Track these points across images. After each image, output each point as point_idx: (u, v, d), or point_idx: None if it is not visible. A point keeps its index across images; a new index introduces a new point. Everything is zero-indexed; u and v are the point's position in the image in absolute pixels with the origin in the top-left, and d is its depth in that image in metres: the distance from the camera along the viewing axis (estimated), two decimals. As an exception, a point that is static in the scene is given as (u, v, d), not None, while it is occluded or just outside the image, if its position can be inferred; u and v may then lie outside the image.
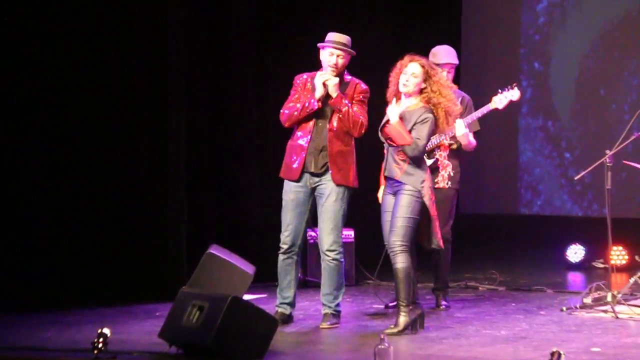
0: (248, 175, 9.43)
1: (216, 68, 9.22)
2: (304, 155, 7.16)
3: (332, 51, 7.14)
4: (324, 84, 7.10)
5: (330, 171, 7.13)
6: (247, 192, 9.43)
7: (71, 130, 8.44)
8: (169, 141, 8.40)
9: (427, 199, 6.87)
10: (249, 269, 7.07)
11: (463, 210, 10.51)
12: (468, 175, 8.26)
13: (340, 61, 7.15)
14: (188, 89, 8.59)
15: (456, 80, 8.28)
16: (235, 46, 9.34)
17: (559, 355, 5.44)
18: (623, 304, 7.59)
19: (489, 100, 7.91)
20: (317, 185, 7.19)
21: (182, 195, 8.44)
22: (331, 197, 7.15)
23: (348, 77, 7.24)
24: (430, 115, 6.87)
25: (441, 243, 7.01)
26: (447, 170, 7.89)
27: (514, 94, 7.88)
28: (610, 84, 11.46)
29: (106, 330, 6.04)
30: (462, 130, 7.72)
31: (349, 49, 7.18)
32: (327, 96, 7.12)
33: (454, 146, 7.91)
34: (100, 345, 5.99)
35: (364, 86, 7.22)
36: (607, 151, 7.78)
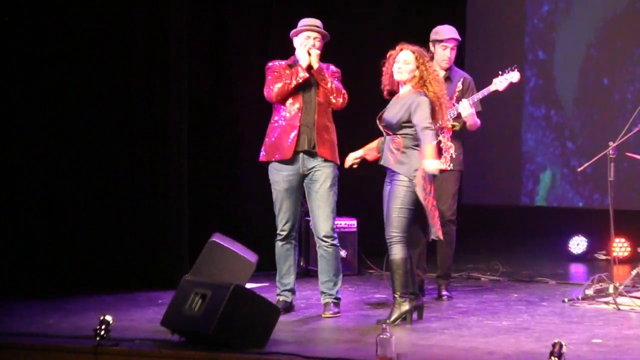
0: (250, 163, 9.39)
1: (218, 62, 9.20)
2: (296, 132, 7.14)
3: (309, 34, 7.16)
4: (308, 52, 7.11)
5: (318, 149, 7.11)
6: (250, 179, 9.41)
7: (78, 122, 8.46)
8: (171, 131, 8.39)
9: (420, 189, 6.77)
10: (251, 257, 7.07)
11: (465, 200, 10.51)
12: (470, 164, 8.25)
13: (317, 43, 7.16)
14: (190, 80, 8.57)
15: (459, 68, 8.27)
16: (237, 43, 9.32)
17: (561, 346, 5.44)
18: (625, 296, 7.59)
19: (490, 83, 7.92)
20: (310, 172, 7.17)
21: (184, 184, 8.44)
22: (326, 183, 7.14)
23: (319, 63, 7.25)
24: (423, 98, 6.83)
25: (440, 234, 6.93)
26: (449, 152, 7.90)
27: (514, 75, 7.90)
28: (614, 73, 11.45)
29: (108, 318, 6.05)
30: (468, 110, 7.74)
31: (323, 31, 7.19)
32: (309, 68, 7.13)
33: (457, 128, 7.91)
34: (102, 332, 6.01)
35: (335, 68, 7.27)
36: (611, 143, 7.77)
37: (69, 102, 8.49)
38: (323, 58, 7.26)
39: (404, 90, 6.93)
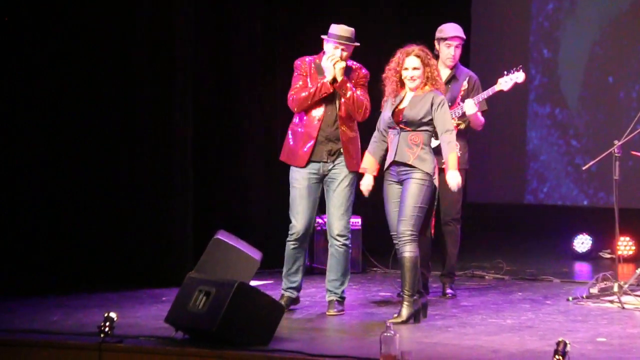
0: (254, 161, 9.42)
1: (222, 61, 9.20)
2: (312, 143, 7.14)
3: (337, 46, 7.12)
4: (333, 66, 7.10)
5: (342, 157, 7.14)
6: (253, 177, 9.43)
7: (84, 119, 8.48)
8: (175, 128, 8.40)
9: (437, 183, 6.87)
10: (255, 255, 7.08)
11: (470, 198, 10.49)
12: (474, 163, 8.25)
13: (345, 54, 7.14)
14: (194, 79, 8.57)
15: (465, 66, 8.27)
16: (242, 41, 9.31)
17: (565, 344, 5.43)
18: (629, 295, 7.58)
19: (495, 83, 7.92)
20: (330, 171, 7.18)
21: (189, 181, 8.44)
22: (344, 182, 7.15)
23: (349, 62, 7.23)
24: (443, 97, 6.91)
25: (432, 232, 7.04)
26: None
27: (519, 76, 7.90)
28: (619, 71, 11.44)
29: (113, 315, 6.06)
30: (472, 110, 7.76)
31: (353, 42, 7.16)
32: (332, 80, 7.12)
33: (462, 126, 7.92)
34: (106, 329, 6.01)
35: (365, 71, 7.25)
36: (616, 141, 7.75)
37: (76, 101, 8.49)
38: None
39: (417, 90, 6.93)
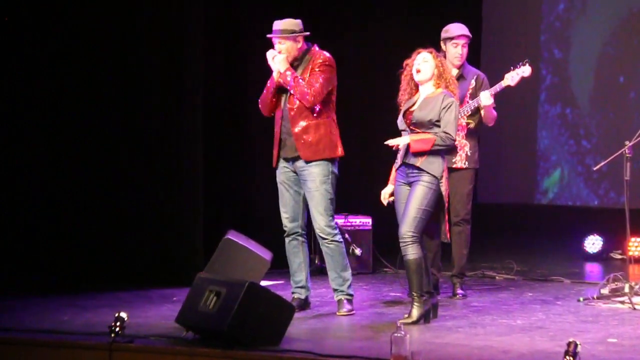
0: (261, 162, 9.41)
1: (229, 63, 9.23)
2: (278, 141, 7.17)
3: (273, 40, 7.15)
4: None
5: (300, 153, 7.10)
6: (263, 178, 9.42)
7: (90, 117, 8.47)
8: (185, 127, 8.40)
9: (444, 189, 6.83)
10: (266, 255, 7.08)
11: (480, 199, 10.48)
12: (485, 163, 8.23)
13: (282, 46, 7.10)
14: (205, 79, 8.58)
15: (475, 66, 8.26)
16: (249, 43, 9.32)
17: (575, 345, 5.42)
18: (640, 295, 7.59)
19: (502, 79, 7.89)
20: (299, 172, 7.16)
21: (198, 181, 8.45)
22: (314, 182, 7.10)
23: (314, 50, 7.18)
24: (453, 99, 6.82)
25: (448, 236, 6.99)
26: (464, 150, 7.87)
27: (525, 70, 7.86)
28: (630, 71, 11.41)
29: (123, 314, 6.06)
30: (489, 100, 7.72)
31: (285, 33, 7.07)
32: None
33: (472, 125, 7.89)
34: (117, 329, 6.02)
35: (325, 55, 7.16)
36: (627, 142, 7.74)
37: (77, 100, 8.50)
38: (326, 49, 7.23)
39: (427, 90, 6.90)
